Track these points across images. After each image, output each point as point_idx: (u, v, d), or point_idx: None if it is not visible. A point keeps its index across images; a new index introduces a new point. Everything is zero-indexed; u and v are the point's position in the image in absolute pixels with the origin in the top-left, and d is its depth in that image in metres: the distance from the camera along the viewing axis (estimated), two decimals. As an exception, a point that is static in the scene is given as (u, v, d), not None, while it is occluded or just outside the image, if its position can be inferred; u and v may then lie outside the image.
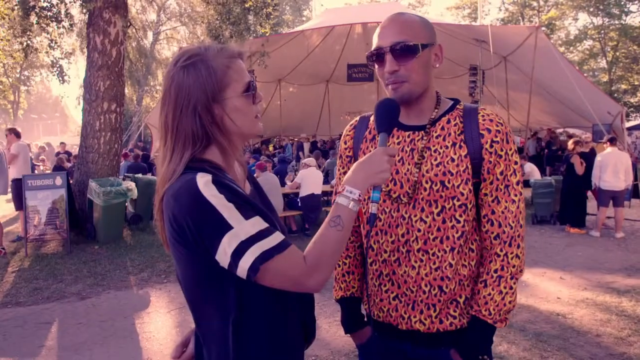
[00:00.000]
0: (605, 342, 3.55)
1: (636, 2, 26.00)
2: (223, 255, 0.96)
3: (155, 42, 24.20)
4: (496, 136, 1.24)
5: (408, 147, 1.31)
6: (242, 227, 0.96)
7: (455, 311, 1.29)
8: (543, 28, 12.12)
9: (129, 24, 7.74)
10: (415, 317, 1.29)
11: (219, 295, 1.04)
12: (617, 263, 5.84)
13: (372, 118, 1.42)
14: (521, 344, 3.49)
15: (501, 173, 1.25)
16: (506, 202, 1.26)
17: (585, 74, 19.31)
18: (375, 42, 1.29)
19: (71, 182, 7.32)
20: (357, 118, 1.49)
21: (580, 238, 7.24)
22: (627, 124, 17.00)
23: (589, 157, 7.63)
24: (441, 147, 1.27)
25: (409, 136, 1.31)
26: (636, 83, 27.26)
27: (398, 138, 1.33)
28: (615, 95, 24.10)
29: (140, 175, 8.67)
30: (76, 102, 25.60)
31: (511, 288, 1.26)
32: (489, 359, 1.28)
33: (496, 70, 13.20)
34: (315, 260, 0.98)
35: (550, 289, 4.85)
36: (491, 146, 1.24)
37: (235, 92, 1.07)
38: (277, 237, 0.99)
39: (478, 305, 1.27)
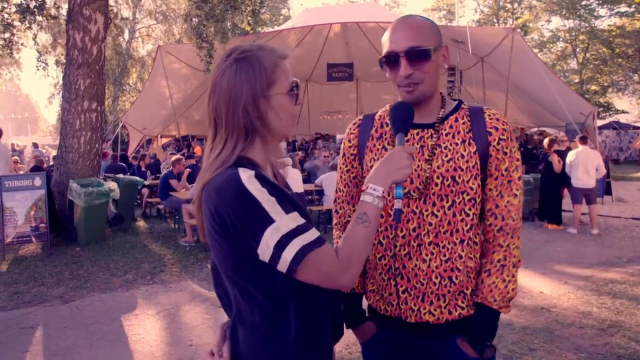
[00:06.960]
0: (588, 334, 3.68)
1: (605, 6, 26.86)
2: (265, 248, 0.99)
3: (131, 39, 23.68)
4: (503, 134, 1.32)
5: (417, 144, 1.35)
6: (284, 221, 0.99)
7: (463, 302, 1.34)
8: (518, 30, 12.40)
9: (109, 21, 7.57)
10: (425, 308, 1.33)
11: (257, 289, 1.05)
12: (594, 258, 6.06)
13: (377, 116, 1.46)
14: (509, 338, 3.59)
15: (506, 169, 1.33)
16: (509, 196, 1.34)
17: (557, 75, 19.85)
18: (386, 46, 1.30)
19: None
20: (361, 117, 1.50)
21: (558, 234, 7.46)
22: (598, 124, 17.56)
23: (565, 156, 7.85)
24: (451, 144, 1.33)
25: (417, 134, 1.36)
26: (605, 84, 28.17)
27: (407, 136, 1.35)
28: (586, 95, 24.83)
29: (121, 175, 8.52)
30: (47, 102, 24.82)
31: (513, 276, 1.33)
32: (494, 346, 1.35)
33: (474, 71, 13.45)
34: (348, 257, 1.02)
35: (533, 284, 4.99)
36: (498, 143, 1.32)
37: (281, 90, 1.11)
38: (314, 233, 1.02)
39: (483, 293, 1.33)
